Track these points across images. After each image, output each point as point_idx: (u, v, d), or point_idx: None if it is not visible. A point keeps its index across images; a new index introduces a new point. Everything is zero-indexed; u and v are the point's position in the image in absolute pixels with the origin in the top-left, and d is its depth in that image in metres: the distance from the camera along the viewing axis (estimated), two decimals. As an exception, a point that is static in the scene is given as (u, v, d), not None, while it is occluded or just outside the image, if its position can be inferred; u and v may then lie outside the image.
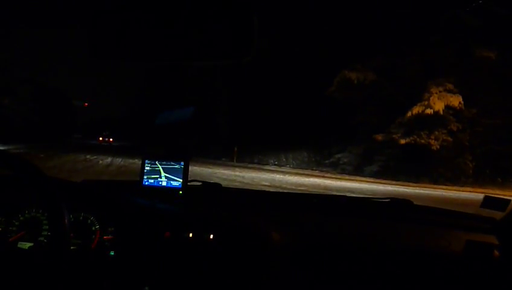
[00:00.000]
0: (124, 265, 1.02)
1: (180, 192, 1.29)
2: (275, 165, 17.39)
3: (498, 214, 1.06)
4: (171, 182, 1.28)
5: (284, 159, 17.78)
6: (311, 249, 1.09)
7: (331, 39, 15.09)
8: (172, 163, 1.30)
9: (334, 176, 13.75)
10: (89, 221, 1.08)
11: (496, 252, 0.94)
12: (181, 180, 1.29)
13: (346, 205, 1.50)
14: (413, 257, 1.05)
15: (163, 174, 1.29)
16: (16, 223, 1.04)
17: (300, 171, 15.10)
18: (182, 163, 1.30)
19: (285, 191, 7.25)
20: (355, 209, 1.43)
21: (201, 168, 11.93)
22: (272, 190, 7.41)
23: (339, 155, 16.34)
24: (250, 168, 14.92)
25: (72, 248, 1.01)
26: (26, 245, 1.02)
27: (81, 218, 1.09)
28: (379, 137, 14.69)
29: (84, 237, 1.06)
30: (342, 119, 15.83)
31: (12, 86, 20.46)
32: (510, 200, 1.08)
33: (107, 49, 0.85)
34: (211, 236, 1.06)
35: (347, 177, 13.91)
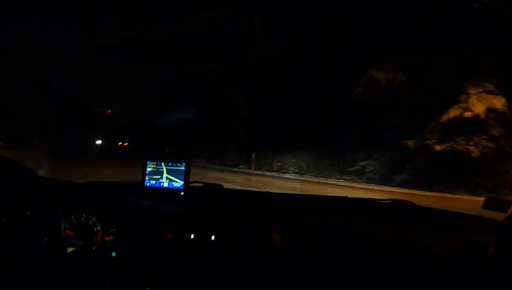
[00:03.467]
0: (125, 266, 1.08)
1: (182, 193, 1.38)
2: (296, 173, 17.04)
3: (500, 216, 1.10)
4: (173, 183, 1.38)
5: (305, 167, 17.37)
6: (312, 250, 1.15)
7: (356, 37, 14.87)
8: (174, 164, 1.39)
9: (360, 186, 13.36)
10: (91, 222, 1.15)
11: (492, 251, 0.97)
12: (183, 181, 1.38)
13: (348, 206, 1.56)
14: (415, 259, 1.09)
15: (165, 175, 1.37)
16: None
17: (323, 180, 14.75)
18: (184, 164, 1.39)
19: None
20: (357, 210, 1.49)
21: (215, 176, 11.97)
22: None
23: (364, 162, 15.71)
24: (268, 176, 14.78)
25: (73, 248, 1.09)
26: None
27: (83, 219, 1.15)
28: (410, 143, 14.10)
29: (86, 238, 1.12)
30: (368, 123, 15.40)
31: (24, 89, 20.76)
32: (511, 201, 1.12)
33: (110, 48, 0.93)
34: (213, 237, 1.13)
35: (376, 187, 13.46)
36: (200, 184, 1.50)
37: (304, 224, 1.29)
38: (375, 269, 1.05)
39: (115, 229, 1.14)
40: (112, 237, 1.13)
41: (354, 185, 13.75)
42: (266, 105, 17.80)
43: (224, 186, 1.51)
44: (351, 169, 16.22)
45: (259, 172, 16.73)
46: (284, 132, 17.33)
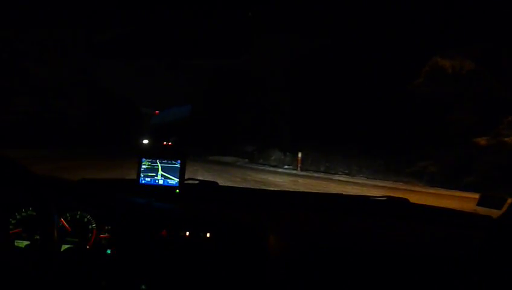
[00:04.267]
0: (120, 263, 1.11)
1: (177, 190, 1.41)
2: (346, 174, 16.09)
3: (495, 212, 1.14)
4: (168, 180, 1.41)
5: (356, 168, 16.24)
6: (307, 248, 1.14)
7: (414, 21, 13.68)
8: (169, 161, 1.42)
9: (425, 190, 12.04)
10: (86, 219, 1.19)
11: (486, 248, 0.97)
12: (178, 178, 1.42)
13: (343, 203, 1.57)
14: (410, 257, 1.08)
15: (160, 172, 1.41)
16: (13, 221, 1.15)
17: (379, 182, 13.73)
18: (179, 161, 1.43)
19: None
20: (353, 208, 1.50)
21: (258, 177, 11.94)
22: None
23: (423, 163, 14.16)
24: (316, 178, 14.25)
25: (68, 246, 1.14)
26: (23, 243, 1.13)
27: (78, 216, 1.19)
28: (482, 141, 12.63)
29: (81, 236, 1.17)
30: (428, 119, 14.01)
31: (66, 88, 21.54)
32: (506, 198, 1.15)
33: (107, 47, 0.99)
34: (208, 235, 1.15)
35: (444, 191, 12.01)
36: (196, 181, 1.54)
37: (299, 221, 1.29)
38: (370, 267, 1.05)
39: (109, 227, 1.18)
40: (106, 235, 1.17)
41: (416, 189, 12.47)
42: (311, 102, 17.31)
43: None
44: (408, 170, 14.83)
45: (306, 173, 16.08)
46: (332, 130, 16.64)
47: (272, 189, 1.79)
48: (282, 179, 12.52)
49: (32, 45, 18.83)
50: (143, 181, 1.42)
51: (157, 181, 1.42)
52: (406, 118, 14.63)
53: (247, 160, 20.28)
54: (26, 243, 1.11)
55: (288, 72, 18.59)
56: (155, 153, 1.45)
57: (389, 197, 1.50)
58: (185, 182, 1.45)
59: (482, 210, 1.27)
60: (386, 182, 14.13)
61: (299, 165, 17.35)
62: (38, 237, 1.12)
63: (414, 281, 1.03)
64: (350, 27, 14.94)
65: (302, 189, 10.27)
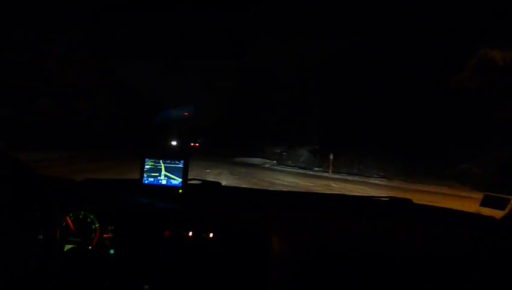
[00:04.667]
0: (123, 263, 1.15)
1: (180, 191, 1.46)
2: (381, 177, 15.18)
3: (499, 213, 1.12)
4: (171, 180, 1.46)
5: (392, 170, 15.29)
6: (310, 248, 1.16)
7: (460, 6, 12.84)
8: (172, 162, 1.47)
9: (475, 195, 10.49)
10: (89, 219, 1.23)
11: (489, 249, 1.00)
12: (181, 178, 1.46)
13: (346, 204, 1.58)
14: (414, 258, 1.10)
15: (163, 172, 1.46)
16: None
17: (420, 186, 12.82)
18: (182, 162, 1.47)
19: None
20: (356, 208, 1.51)
21: (287, 180, 11.66)
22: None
23: (466, 165, 13.14)
24: (350, 181, 13.69)
25: (71, 246, 1.19)
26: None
27: (81, 216, 1.24)
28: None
29: (84, 236, 1.21)
30: (471, 117, 12.95)
31: (91, 89, 21.33)
32: (510, 199, 1.19)
33: (107, 47, 0.97)
34: (211, 235, 1.18)
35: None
36: (199, 182, 1.57)
37: (302, 222, 1.30)
38: (373, 268, 1.07)
39: (113, 227, 1.22)
40: (110, 235, 1.21)
41: (463, 193, 11.43)
42: (342, 101, 16.83)
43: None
44: (448, 173, 13.77)
45: (339, 176, 15.35)
46: (363, 129, 15.96)
47: (275, 190, 1.83)
48: (314, 182, 12.03)
49: (55, 45, 18.80)
50: (146, 181, 1.47)
51: (160, 181, 1.46)
52: (446, 116, 13.70)
53: (274, 161, 19.97)
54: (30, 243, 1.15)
55: (317, 70, 18.33)
56: (158, 153, 1.50)
57: (391, 197, 1.52)
58: (188, 182, 1.49)
59: (486, 211, 1.29)
60: (429, 186, 13.16)
61: (330, 167, 16.51)
62: (41, 236, 1.13)
63: (417, 281, 1.04)
64: (385, 20, 14.37)
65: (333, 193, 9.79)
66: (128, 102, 26.55)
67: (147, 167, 1.48)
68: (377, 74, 15.32)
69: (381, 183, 14.04)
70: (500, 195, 1.23)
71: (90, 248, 1.20)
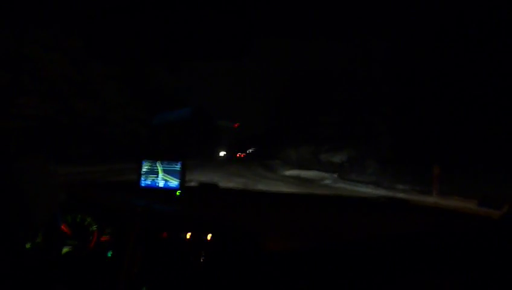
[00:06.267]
0: (121, 266, 1.26)
1: (178, 193, 1.58)
2: None
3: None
4: (169, 182, 1.57)
5: None
6: (306, 249, 1.28)
7: None
8: (170, 164, 1.58)
9: None
10: (87, 222, 1.37)
11: (487, 249, 1.13)
12: (178, 181, 1.57)
13: (342, 205, 1.69)
14: (410, 258, 1.22)
15: (160, 175, 1.57)
16: None
17: None
18: (180, 164, 1.59)
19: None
20: (352, 209, 1.61)
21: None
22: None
23: None
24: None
25: (69, 248, 1.31)
26: (27, 245, 1.28)
27: (79, 219, 1.37)
28: None
29: (82, 238, 1.34)
30: None
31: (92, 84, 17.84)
32: (506, 199, 1.30)
33: (106, 49, 1.08)
34: (209, 237, 1.30)
35: None
36: (196, 184, 1.68)
37: (299, 223, 1.39)
38: (368, 268, 1.19)
39: (110, 229, 1.34)
40: (107, 237, 1.33)
41: None
42: (424, 98, 14.11)
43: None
44: None
45: (456, 202, 9.31)
46: (464, 133, 12.42)
47: (271, 191, 1.95)
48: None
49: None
50: (144, 184, 1.60)
51: (157, 184, 1.59)
52: None
53: (335, 175, 18.03)
54: (27, 245, 1.29)
55: (390, 63, 17.05)
56: (155, 154, 1.62)
57: (388, 197, 1.65)
58: (186, 184, 1.59)
59: (483, 211, 1.42)
60: None
61: (436, 186, 11.07)
62: (39, 239, 1.29)
63: (413, 281, 1.15)
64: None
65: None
66: (157, 107, 24.91)
67: (144, 169, 1.60)
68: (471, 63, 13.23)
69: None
70: (497, 195, 1.38)
71: (88, 250, 1.32)
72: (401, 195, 9.91)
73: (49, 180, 0.93)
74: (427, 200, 10.99)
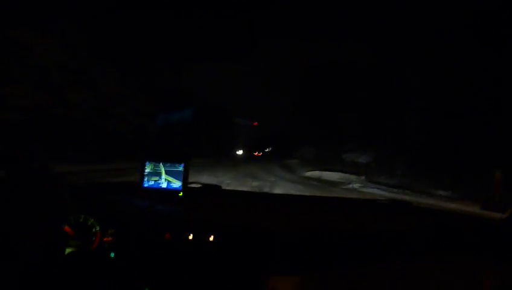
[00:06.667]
0: (124, 266, 1.30)
1: (180, 194, 1.61)
2: None
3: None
4: (172, 184, 1.60)
5: None
6: (311, 250, 1.31)
7: None
8: (172, 165, 1.62)
9: None
10: (90, 223, 1.40)
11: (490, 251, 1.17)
12: (181, 182, 1.60)
13: (347, 207, 1.72)
14: (414, 259, 1.26)
15: (163, 176, 1.60)
16: None
17: None
18: (182, 165, 1.62)
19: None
20: (357, 211, 1.65)
21: None
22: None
23: None
24: None
25: (72, 249, 1.35)
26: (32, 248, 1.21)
27: (82, 220, 1.41)
28: None
29: (85, 239, 1.38)
30: None
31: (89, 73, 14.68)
32: (509, 203, 1.36)
33: (107, 49, 1.32)
34: (211, 238, 1.34)
35: None
36: (199, 185, 1.69)
37: (303, 225, 1.42)
38: (373, 268, 1.23)
39: (113, 230, 1.37)
40: (110, 238, 1.37)
41: None
42: (457, 90, 12.29)
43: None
44: None
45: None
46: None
47: (276, 193, 2.00)
48: None
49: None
50: (146, 185, 1.62)
51: (160, 185, 1.62)
52: None
53: (363, 177, 16.94)
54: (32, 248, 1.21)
55: (422, 55, 15.93)
56: (158, 155, 1.64)
57: (392, 200, 1.68)
58: (189, 185, 1.61)
59: (486, 214, 1.45)
60: None
61: (498, 193, 8.01)
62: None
63: (416, 282, 1.18)
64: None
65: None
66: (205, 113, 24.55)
67: (147, 170, 1.63)
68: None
69: None
70: (500, 199, 1.36)
71: (90, 251, 1.36)
72: (469, 208, 7.82)
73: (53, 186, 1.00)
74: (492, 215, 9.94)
